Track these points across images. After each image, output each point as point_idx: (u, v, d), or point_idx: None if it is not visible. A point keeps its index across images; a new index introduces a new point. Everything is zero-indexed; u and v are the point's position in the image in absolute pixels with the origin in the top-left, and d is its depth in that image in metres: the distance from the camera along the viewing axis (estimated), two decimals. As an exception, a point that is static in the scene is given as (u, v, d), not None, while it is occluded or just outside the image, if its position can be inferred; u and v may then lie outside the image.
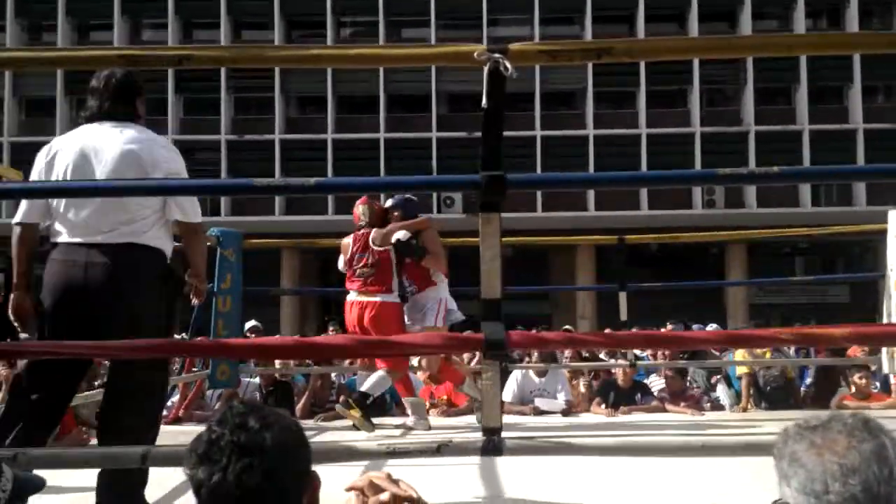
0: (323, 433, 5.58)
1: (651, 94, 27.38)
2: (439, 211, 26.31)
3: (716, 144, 26.96)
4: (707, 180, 2.38)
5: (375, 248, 5.51)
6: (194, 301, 3.53)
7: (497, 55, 2.22)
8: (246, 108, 28.96)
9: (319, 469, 1.47)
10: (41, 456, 2.30)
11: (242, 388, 6.86)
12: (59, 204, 3.10)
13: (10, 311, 3.15)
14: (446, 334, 2.46)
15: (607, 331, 7.73)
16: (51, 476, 1.69)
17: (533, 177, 2.05)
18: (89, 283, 3.01)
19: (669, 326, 9.59)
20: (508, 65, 2.21)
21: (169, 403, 6.60)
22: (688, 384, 7.02)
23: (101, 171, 3.06)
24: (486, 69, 2.23)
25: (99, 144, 3.10)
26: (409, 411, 5.71)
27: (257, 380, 7.02)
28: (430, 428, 5.52)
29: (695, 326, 9.42)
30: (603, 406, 6.61)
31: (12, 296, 3.13)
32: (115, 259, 3.03)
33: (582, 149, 26.93)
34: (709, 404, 6.78)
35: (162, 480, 3.27)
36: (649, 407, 6.59)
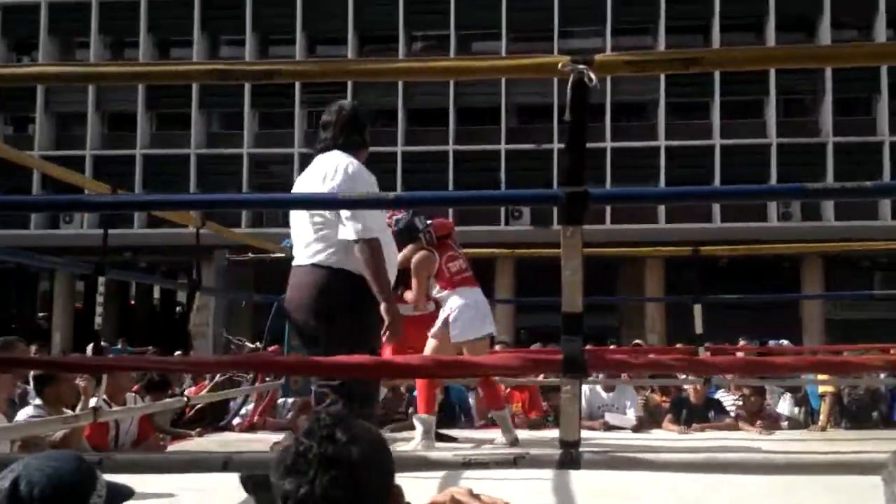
0: (394, 444, 5.60)
1: (725, 105, 26.89)
2: (507, 223, 26.27)
3: (792, 156, 26.31)
4: (797, 195, 2.31)
5: None
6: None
7: (582, 66, 2.20)
8: (318, 122, 29.39)
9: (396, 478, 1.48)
10: (124, 461, 2.37)
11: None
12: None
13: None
14: (525, 355, 2.44)
15: (679, 345, 7.60)
16: (128, 481, 1.74)
17: (615, 191, 2.02)
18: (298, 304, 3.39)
19: (742, 342, 9.36)
20: (593, 76, 2.19)
21: (243, 412, 6.73)
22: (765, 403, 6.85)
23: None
24: (570, 81, 2.21)
25: (304, 180, 3.52)
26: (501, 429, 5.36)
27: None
28: (517, 441, 5.18)
29: (771, 343, 9.18)
30: (675, 423, 6.49)
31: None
32: (317, 279, 3.35)
33: (653, 160, 26.59)
34: (787, 423, 6.60)
35: (216, 487, 3.31)
36: (723, 424, 6.44)
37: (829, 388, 6.53)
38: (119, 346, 12.10)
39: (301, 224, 3.42)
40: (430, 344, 5.08)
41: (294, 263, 3.46)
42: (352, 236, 3.24)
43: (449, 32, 28.10)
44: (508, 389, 6.64)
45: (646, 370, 2.34)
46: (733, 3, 27.10)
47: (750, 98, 27.31)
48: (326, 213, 3.32)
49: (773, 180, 26.58)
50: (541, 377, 6.65)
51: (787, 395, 7.06)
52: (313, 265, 3.34)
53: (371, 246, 3.23)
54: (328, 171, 3.39)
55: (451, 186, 26.99)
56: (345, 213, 3.24)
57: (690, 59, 2.23)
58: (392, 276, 3.40)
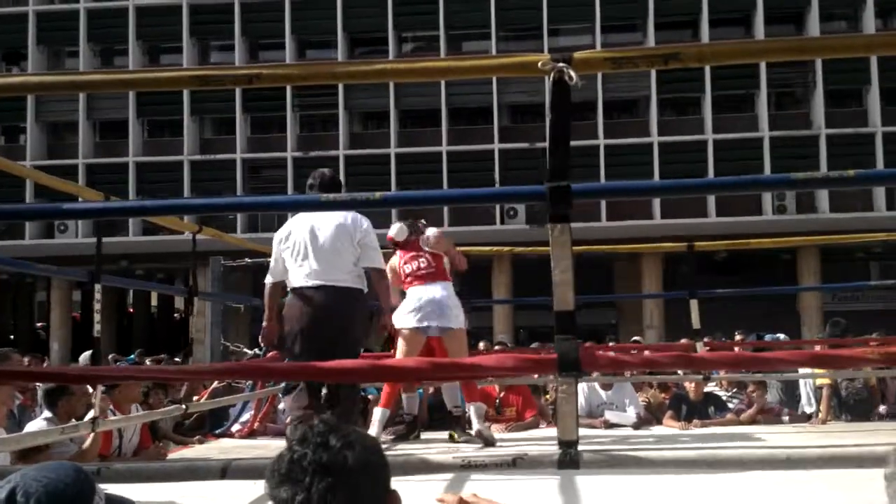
0: (395, 446, 5.59)
1: (717, 100, 26.92)
2: (503, 222, 26.27)
3: (785, 149, 26.34)
4: (782, 186, 2.31)
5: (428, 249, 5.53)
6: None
7: (561, 64, 2.19)
8: (311, 125, 29.42)
9: (392, 482, 1.48)
10: (123, 471, 2.35)
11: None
12: (296, 260, 4.60)
13: (262, 338, 4.83)
14: (520, 356, 2.43)
15: (683, 341, 7.59)
16: (128, 490, 1.73)
17: (597, 186, 2.02)
18: (325, 315, 4.46)
19: (739, 336, 9.35)
20: (573, 74, 2.19)
21: (244, 418, 6.72)
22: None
23: (322, 240, 4.60)
24: (549, 79, 2.20)
25: (319, 223, 4.64)
26: (473, 418, 5.49)
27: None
28: (493, 439, 5.37)
29: (767, 337, 9.18)
30: (675, 420, 6.49)
31: (266, 325, 4.74)
32: (342, 297, 4.51)
33: (647, 157, 26.61)
34: (787, 417, 6.60)
35: (238, 494, 3.31)
36: (724, 420, 6.44)
37: (826, 381, 6.52)
38: (134, 357, 12.02)
39: (321, 253, 4.55)
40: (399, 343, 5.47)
41: (309, 284, 4.53)
42: (379, 265, 4.67)
43: (438, 33, 28.09)
44: (503, 393, 6.65)
45: (640, 367, 2.32)
46: (721, -3, 27.18)
47: (741, 92, 27.34)
48: (347, 245, 4.55)
49: (768, 173, 26.66)
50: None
51: (775, 383, 6.99)
52: (336, 287, 4.51)
53: (385, 273, 4.77)
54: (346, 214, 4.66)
55: (445, 187, 27.00)
56: (372, 245, 4.63)
57: (670, 54, 2.22)
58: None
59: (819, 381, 6.63)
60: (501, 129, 27.57)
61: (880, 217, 24.45)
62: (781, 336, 8.93)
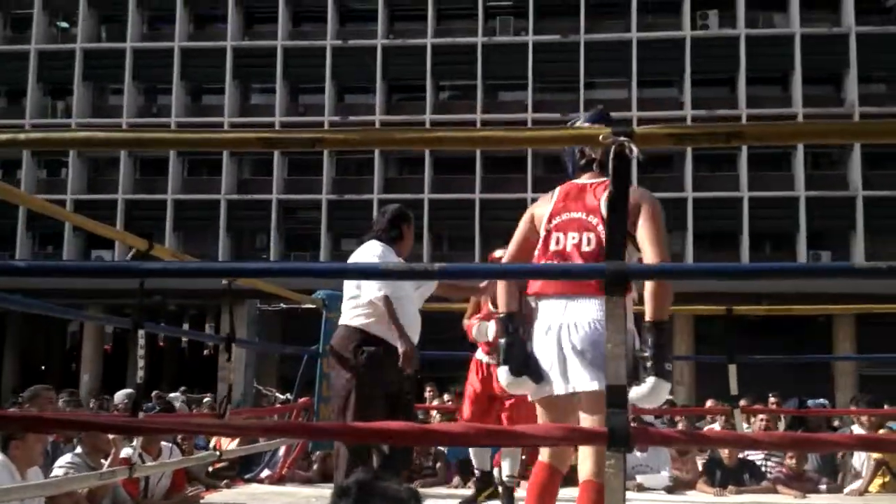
0: (425, 500, 5.53)
1: (753, 157, 26.84)
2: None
3: (821, 209, 26.15)
4: (844, 273, 2.28)
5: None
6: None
7: (623, 138, 2.20)
8: (346, 169, 29.72)
9: None
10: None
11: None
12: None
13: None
14: (568, 426, 2.41)
15: (710, 402, 7.44)
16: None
17: (654, 267, 2.01)
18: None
19: (773, 399, 9.21)
20: (634, 148, 2.20)
21: (274, 462, 6.71)
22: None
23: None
24: (611, 152, 2.21)
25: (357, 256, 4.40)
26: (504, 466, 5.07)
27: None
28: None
29: (810, 403, 9.01)
30: (709, 485, 6.37)
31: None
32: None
33: (681, 211, 26.49)
34: (825, 486, 6.44)
35: None
36: (760, 488, 6.31)
37: (876, 455, 6.33)
38: (180, 395, 12.01)
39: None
40: None
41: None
42: (374, 295, 4.15)
43: (476, 82, 28.37)
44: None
45: (692, 445, 2.28)
46: (759, 56, 27.20)
47: (778, 151, 27.24)
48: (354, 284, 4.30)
49: (803, 233, 26.41)
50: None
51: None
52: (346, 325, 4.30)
53: (386, 301, 4.12)
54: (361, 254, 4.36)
55: (476, 234, 27.03)
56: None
57: (733, 133, 2.22)
58: (415, 333, 4.23)
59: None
60: (535, 178, 27.65)
61: (918, 281, 24.06)
62: (824, 402, 8.75)
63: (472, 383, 5.02)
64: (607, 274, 2.06)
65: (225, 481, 6.50)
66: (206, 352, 31.19)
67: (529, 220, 3.09)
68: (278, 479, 6.47)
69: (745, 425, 6.70)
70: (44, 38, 30.12)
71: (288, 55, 29.10)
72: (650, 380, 2.64)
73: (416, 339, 4.23)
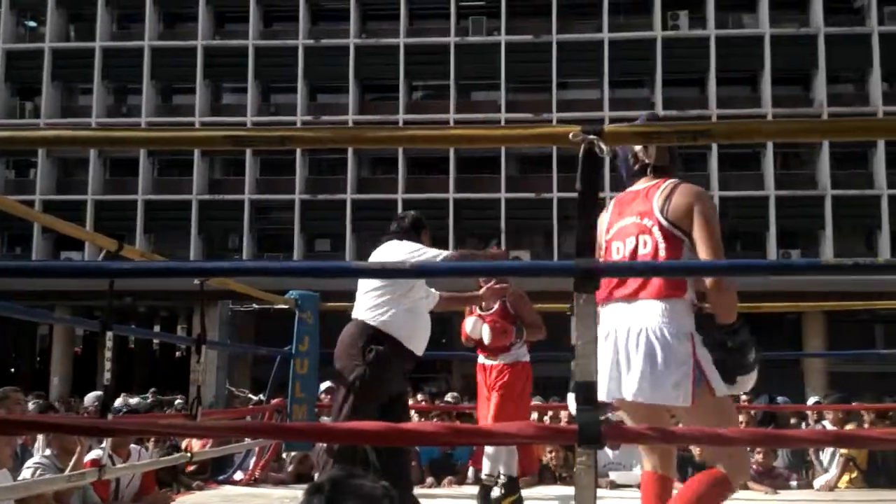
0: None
1: (723, 157, 27.10)
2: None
3: (791, 208, 26.47)
4: (812, 270, 2.31)
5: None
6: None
7: (592, 136, 2.22)
8: (319, 169, 29.61)
9: None
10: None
11: (315, 451, 6.88)
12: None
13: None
14: (541, 424, 2.43)
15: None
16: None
17: (622, 265, 2.03)
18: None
19: (744, 398, 9.29)
20: (603, 146, 2.21)
21: (247, 464, 6.67)
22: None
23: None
24: (580, 150, 2.22)
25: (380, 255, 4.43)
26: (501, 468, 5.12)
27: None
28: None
29: (780, 399, 9.12)
30: (681, 482, 6.41)
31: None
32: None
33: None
34: (795, 482, 6.51)
35: None
36: (730, 483, 6.36)
37: (843, 450, 6.41)
38: (149, 396, 11.89)
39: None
40: None
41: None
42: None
43: (448, 82, 28.40)
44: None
45: (664, 443, 2.29)
46: (729, 56, 27.49)
47: (748, 151, 27.53)
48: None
49: (773, 232, 26.71)
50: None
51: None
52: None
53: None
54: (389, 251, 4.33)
55: (451, 233, 27.06)
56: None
57: (700, 131, 2.25)
58: (425, 339, 4.30)
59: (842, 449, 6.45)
60: (508, 178, 27.73)
61: (887, 280, 24.41)
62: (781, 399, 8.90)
63: (482, 390, 5.14)
64: (576, 271, 2.07)
65: (196, 483, 6.45)
66: (178, 354, 30.96)
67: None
68: (251, 481, 6.44)
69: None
70: (11, 38, 29.73)
71: (259, 54, 28.95)
72: (753, 373, 2.85)
73: (423, 348, 4.29)
